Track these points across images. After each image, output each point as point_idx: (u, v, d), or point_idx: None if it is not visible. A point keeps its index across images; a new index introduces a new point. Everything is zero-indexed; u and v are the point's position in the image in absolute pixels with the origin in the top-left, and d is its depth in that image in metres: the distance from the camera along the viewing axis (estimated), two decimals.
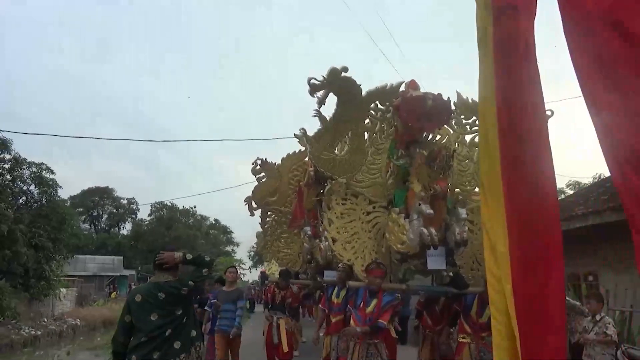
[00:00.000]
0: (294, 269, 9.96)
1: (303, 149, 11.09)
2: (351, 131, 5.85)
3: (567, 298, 6.43)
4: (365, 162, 6.06)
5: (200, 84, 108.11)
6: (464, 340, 5.86)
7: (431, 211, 5.43)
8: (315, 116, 5.48)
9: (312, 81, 5.23)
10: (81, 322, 24.52)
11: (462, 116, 6.51)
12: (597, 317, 6.12)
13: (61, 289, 25.53)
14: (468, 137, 6.63)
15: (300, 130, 5.53)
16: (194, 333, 4.12)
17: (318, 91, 5.28)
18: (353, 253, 5.92)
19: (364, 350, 5.45)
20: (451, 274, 5.87)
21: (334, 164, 5.84)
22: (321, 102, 5.36)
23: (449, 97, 6.18)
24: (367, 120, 5.99)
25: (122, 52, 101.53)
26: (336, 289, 6.90)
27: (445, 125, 6.60)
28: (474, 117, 6.45)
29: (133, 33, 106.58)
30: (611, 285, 8.94)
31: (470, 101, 6.39)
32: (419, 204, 5.50)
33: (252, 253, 58.65)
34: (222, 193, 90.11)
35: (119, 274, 44.05)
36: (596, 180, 21.02)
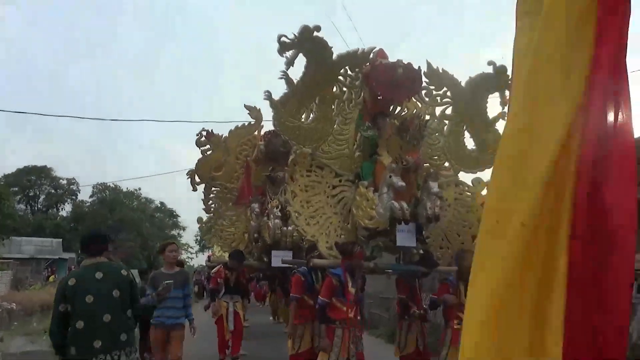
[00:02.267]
0: (238, 249, 9.45)
1: (253, 121, 10.58)
2: (319, 97, 5.43)
3: None
4: (333, 131, 5.66)
5: (151, 67, 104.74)
6: (458, 327, 5.27)
7: (403, 183, 5.11)
8: (281, 78, 5.04)
9: (283, 39, 4.82)
10: (17, 307, 23.29)
11: (432, 87, 6.18)
12: None
13: None
14: (438, 110, 6.30)
15: (265, 92, 5.06)
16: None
17: (288, 50, 4.86)
18: (317, 229, 5.53)
19: (352, 334, 5.19)
20: (421, 251, 5.59)
21: (300, 132, 5.41)
22: (290, 62, 4.95)
23: (419, 67, 5.87)
24: (335, 87, 5.59)
25: (73, 34, 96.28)
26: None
27: (413, 98, 6.28)
28: (445, 89, 6.16)
29: (84, 13, 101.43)
30: None
31: (440, 71, 6.07)
32: (390, 176, 5.17)
33: (199, 237, 57.53)
34: (168, 176, 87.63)
35: (57, 257, 42.29)
36: None
